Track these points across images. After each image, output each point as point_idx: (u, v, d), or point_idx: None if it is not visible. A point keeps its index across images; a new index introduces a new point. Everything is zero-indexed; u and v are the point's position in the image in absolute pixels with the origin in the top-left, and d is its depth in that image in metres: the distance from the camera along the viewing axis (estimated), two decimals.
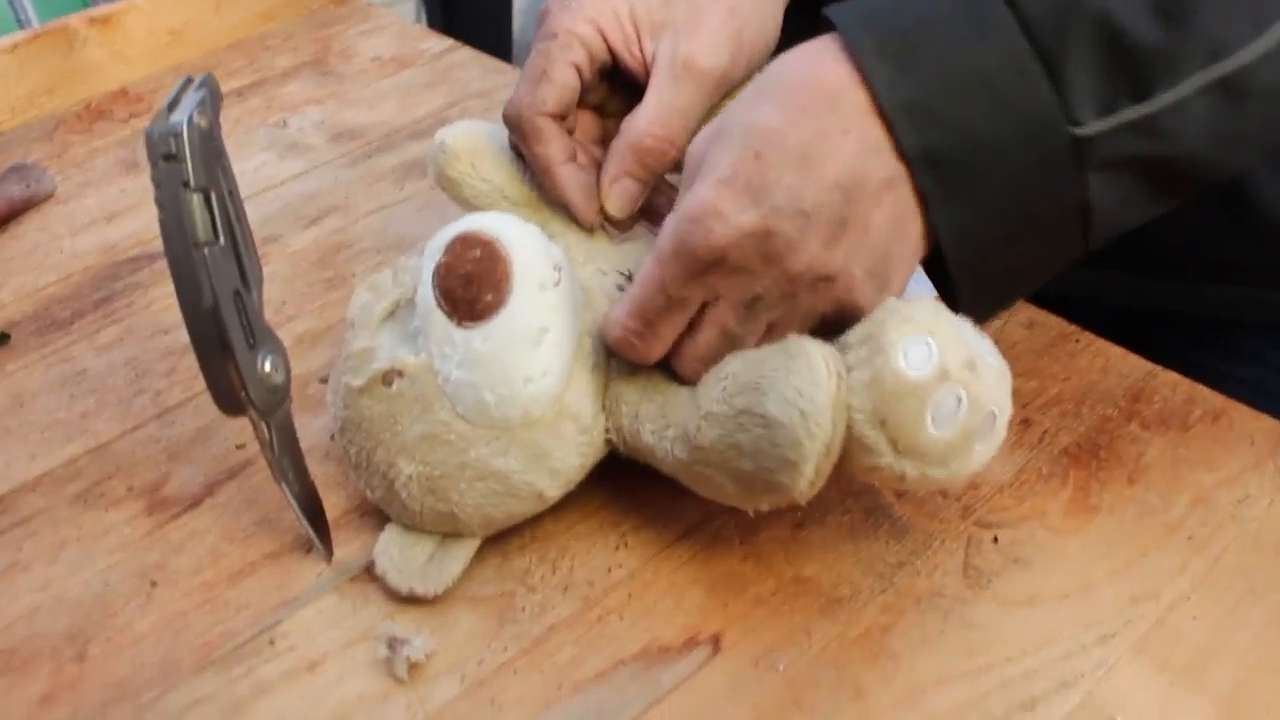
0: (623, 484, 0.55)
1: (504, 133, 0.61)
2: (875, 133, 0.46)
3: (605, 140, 0.60)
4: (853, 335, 0.47)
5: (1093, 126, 0.46)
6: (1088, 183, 0.47)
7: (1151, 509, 0.54)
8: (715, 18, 0.57)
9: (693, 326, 0.50)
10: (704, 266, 0.47)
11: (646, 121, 0.56)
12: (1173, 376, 0.61)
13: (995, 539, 0.54)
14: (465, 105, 0.92)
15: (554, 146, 0.57)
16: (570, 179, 0.57)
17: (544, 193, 0.59)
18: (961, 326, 0.47)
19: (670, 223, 0.48)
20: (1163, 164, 0.48)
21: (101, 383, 0.67)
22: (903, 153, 0.46)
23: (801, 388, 0.45)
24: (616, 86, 0.60)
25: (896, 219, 0.48)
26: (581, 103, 0.59)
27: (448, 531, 0.53)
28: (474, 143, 0.61)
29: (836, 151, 0.46)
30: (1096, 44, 0.45)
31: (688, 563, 0.54)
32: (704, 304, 0.49)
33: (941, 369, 0.45)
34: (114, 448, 0.62)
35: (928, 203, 0.47)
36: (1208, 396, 0.60)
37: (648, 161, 0.57)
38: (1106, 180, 0.47)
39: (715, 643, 0.50)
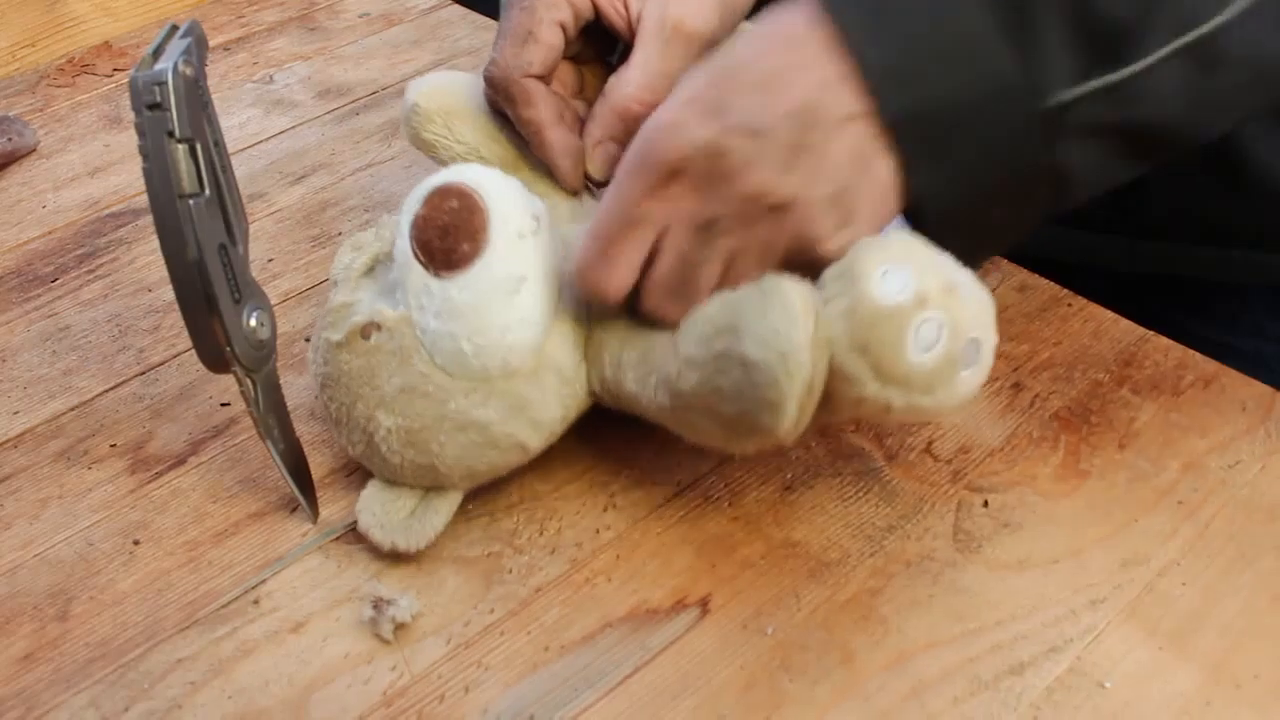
0: (611, 445, 0.55)
1: (478, 85, 0.60)
2: (836, 69, 0.46)
3: (583, 92, 0.59)
4: (829, 272, 0.47)
5: (1065, 94, 0.46)
6: (1060, 148, 0.47)
7: (1142, 474, 0.54)
8: None
9: (652, 257, 0.50)
10: (660, 178, 0.47)
11: (635, 86, 0.55)
12: (1164, 342, 0.61)
13: (985, 503, 0.53)
14: (454, 63, 0.91)
15: (543, 109, 0.56)
16: (559, 142, 0.56)
17: (525, 152, 0.58)
18: (940, 257, 0.47)
19: (632, 144, 0.48)
20: (1135, 129, 0.48)
21: (84, 339, 0.66)
22: (886, 115, 0.46)
23: (778, 327, 0.44)
24: (593, 37, 0.59)
25: (857, 154, 0.47)
26: None
27: (429, 485, 0.53)
28: (448, 102, 0.60)
29: (797, 82, 0.46)
30: (1067, 13, 0.45)
31: (676, 525, 0.53)
32: (662, 235, 0.49)
33: (920, 295, 0.44)
34: (97, 405, 0.62)
35: (908, 162, 0.47)
36: (1199, 362, 0.59)
37: (633, 127, 0.55)
38: (1080, 145, 0.47)
39: (704, 605, 0.50)
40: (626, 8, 0.56)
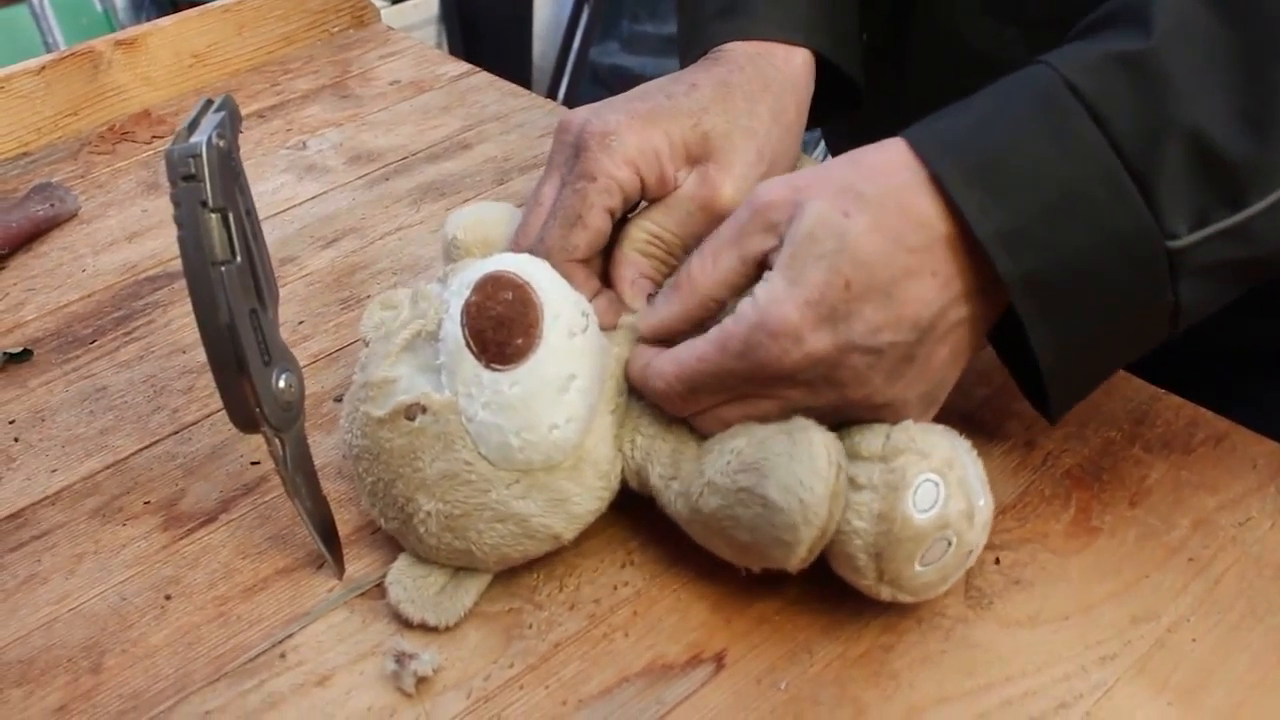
0: (630, 502, 0.56)
1: (510, 215, 0.61)
2: (959, 277, 0.47)
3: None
4: (867, 445, 0.49)
5: (1187, 239, 0.46)
6: (1180, 290, 0.48)
7: (1153, 531, 0.55)
8: (743, 160, 0.57)
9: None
10: (768, 380, 0.49)
11: (654, 227, 0.57)
12: (1176, 400, 0.61)
13: (997, 560, 0.54)
14: (482, 129, 0.93)
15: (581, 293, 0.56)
16: None
17: None
18: (968, 464, 0.49)
19: (746, 318, 0.48)
20: (1252, 263, 0.49)
21: (121, 399, 0.68)
22: (1000, 280, 0.47)
23: (803, 477, 0.47)
24: None
25: (956, 353, 0.50)
26: None
27: (461, 566, 0.54)
28: (484, 233, 0.61)
29: (921, 294, 0.47)
30: (1189, 159, 0.46)
31: (693, 581, 0.54)
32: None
33: (943, 517, 0.48)
34: (132, 463, 0.64)
35: (1025, 323, 0.48)
36: (1210, 420, 0.60)
37: (657, 265, 0.58)
38: (1197, 284, 0.48)
39: (719, 660, 0.51)
40: (673, 182, 0.57)
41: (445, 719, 0.49)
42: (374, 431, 0.52)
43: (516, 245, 0.58)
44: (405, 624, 0.53)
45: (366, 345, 0.57)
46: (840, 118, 0.69)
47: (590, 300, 0.55)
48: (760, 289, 0.48)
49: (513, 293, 0.50)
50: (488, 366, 0.49)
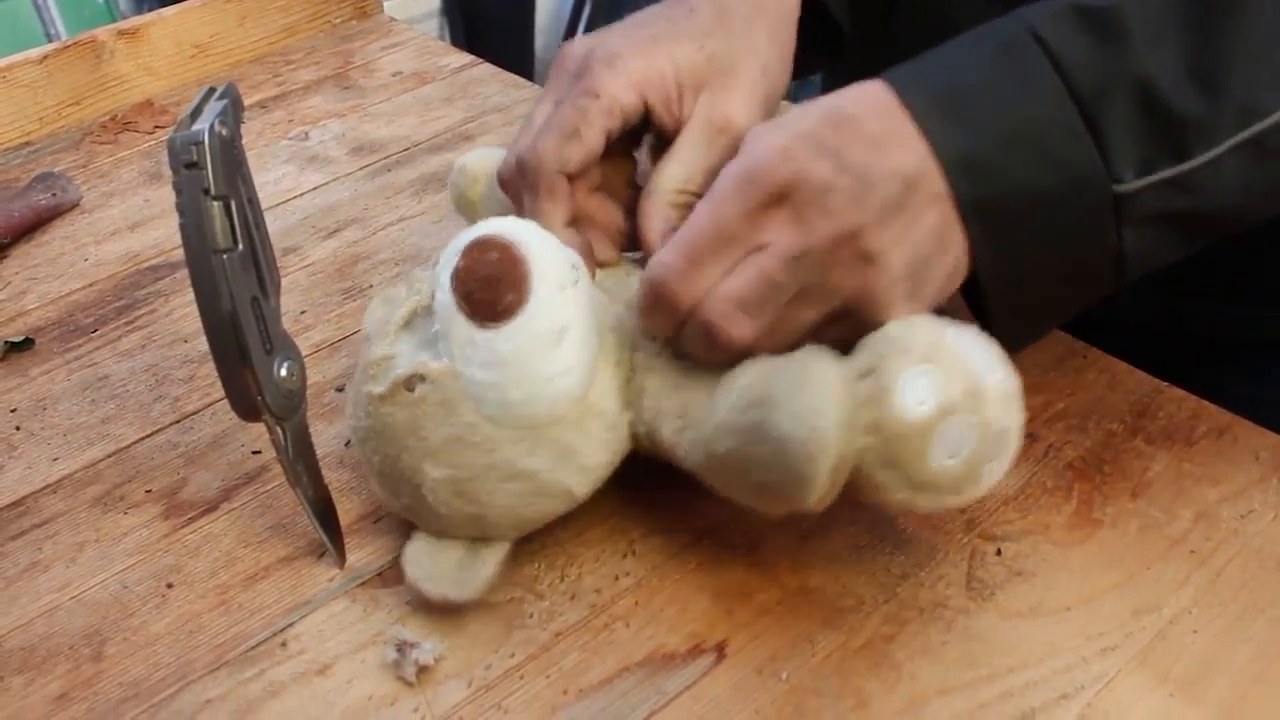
0: (632, 493, 0.56)
1: None
2: (939, 157, 0.48)
3: (601, 186, 0.60)
4: (856, 362, 0.48)
5: (1132, 184, 0.48)
6: (1124, 234, 0.49)
7: (1154, 523, 0.55)
8: (749, 79, 0.58)
9: (729, 273, 0.50)
10: (764, 200, 0.48)
11: (683, 180, 0.56)
12: (1178, 393, 0.61)
13: (999, 551, 0.54)
14: (484, 120, 0.93)
15: (560, 208, 0.57)
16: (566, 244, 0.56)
17: None
18: (963, 343, 0.48)
19: (733, 162, 0.49)
20: (1194, 216, 0.50)
21: (122, 388, 0.68)
22: (956, 201, 0.48)
23: (813, 404, 0.46)
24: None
25: (941, 232, 0.49)
26: None
27: (477, 535, 0.53)
28: (493, 166, 0.62)
29: (905, 149, 0.48)
30: (1139, 109, 0.48)
31: (694, 571, 0.54)
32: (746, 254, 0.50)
33: (943, 404, 0.46)
34: (133, 452, 0.64)
35: (974, 246, 0.49)
36: (1213, 413, 0.60)
37: (686, 215, 0.57)
38: (1141, 231, 0.50)
39: (720, 650, 0.51)
40: (680, 108, 0.57)
41: (446, 708, 0.49)
42: (377, 409, 0.52)
43: (506, 164, 0.58)
44: (418, 603, 0.53)
45: (368, 340, 0.57)
46: (821, 67, 0.69)
47: (562, 227, 0.56)
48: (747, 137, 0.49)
49: (498, 252, 0.50)
50: (480, 326, 0.50)
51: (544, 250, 0.51)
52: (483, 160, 0.63)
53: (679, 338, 0.52)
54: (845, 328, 0.50)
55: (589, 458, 0.52)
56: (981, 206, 0.49)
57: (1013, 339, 0.52)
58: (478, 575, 0.53)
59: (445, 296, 0.51)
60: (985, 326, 0.52)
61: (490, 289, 0.50)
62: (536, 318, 0.50)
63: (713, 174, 0.57)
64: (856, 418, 0.46)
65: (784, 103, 0.64)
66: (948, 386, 0.46)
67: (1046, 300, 0.52)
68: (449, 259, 0.51)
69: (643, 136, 0.61)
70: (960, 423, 0.46)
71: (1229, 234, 0.52)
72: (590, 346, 0.52)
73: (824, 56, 0.68)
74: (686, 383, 0.53)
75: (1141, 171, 0.48)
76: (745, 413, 0.48)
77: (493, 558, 0.53)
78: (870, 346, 0.48)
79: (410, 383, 0.51)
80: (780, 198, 0.48)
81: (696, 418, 0.51)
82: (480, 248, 0.50)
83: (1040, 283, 0.51)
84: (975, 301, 0.53)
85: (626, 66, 0.56)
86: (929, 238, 0.49)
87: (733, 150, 0.57)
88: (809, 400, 0.46)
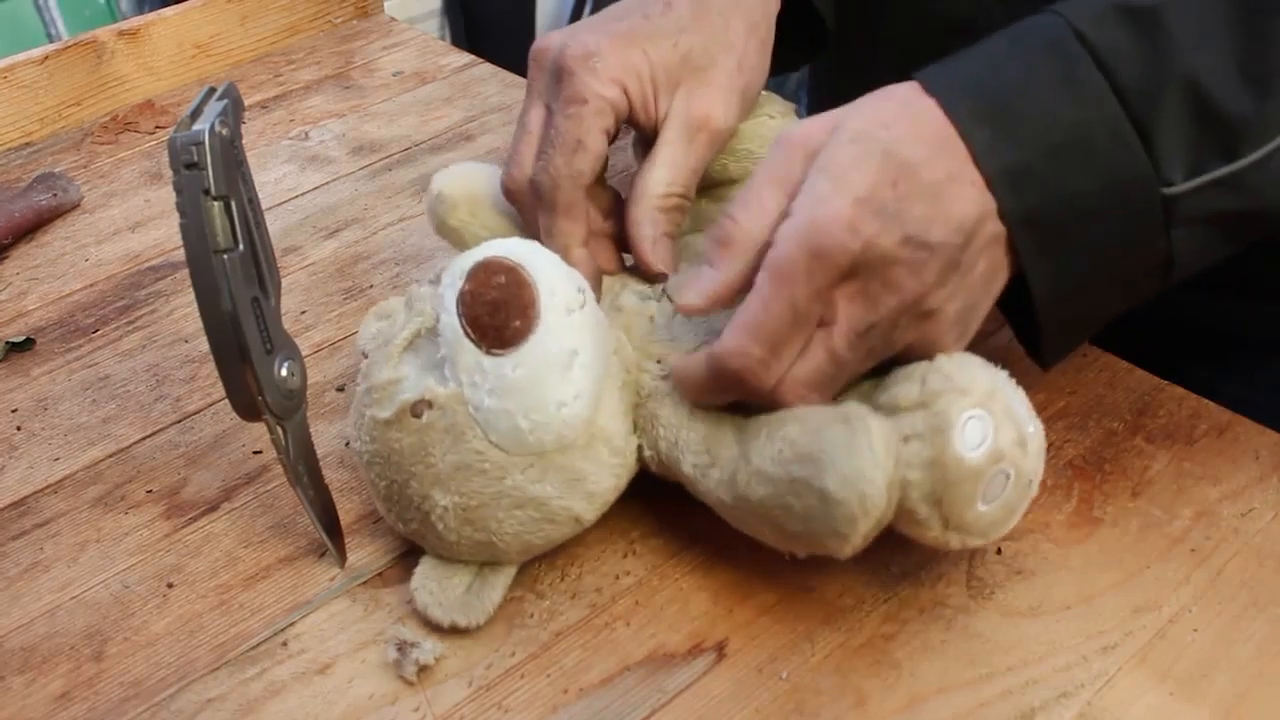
0: (633, 492, 0.56)
1: (496, 173, 0.61)
2: (991, 193, 0.48)
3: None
4: (903, 393, 0.48)
5: (1181, 186, 0.48)
6: (1174, 237, 0.49)
7: (1155, 521, 0.55)
8: (725, 74, 0.58)
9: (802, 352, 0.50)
10: (834, 278, 0.47)
11: (667, 184, 0.56)
12: (1179, 391, 0.61)
13: (999, 550, 0.54)
14: (484, 120, 0.93)
15: (578, 226, 0.56)
16: (582, 264, 0.56)
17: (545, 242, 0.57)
18: (1010, 392, 0.48)
19: (795, 232, 0.47)
20: (1244, 216, 0.50)
21: (123, 388, 0.68)
22: (1002, 214, 0.48)
23: (864, 470, 0.46)
24: None
25: (991, 274, 0.49)
26: None
27: (484, 560, 0.53)
28: (472, 189, 0.61)
29: (964, 196, 0.47)
30: (1187, 110, 0.47)
31: (694, 570, 0.54)
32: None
33: (996, 450, 0.46)
34: (134, 452, 0.64)
35: (1022, 259, 0.49)
36: (1214, 411, 0.60)
37: (675, 218, 0.57)
38: (1190, 233, 0.49)
39: (720, 649, 0.51)
40: (656, 107, 0.57)
41: (446, 707, 0.49)
42: (382, 434, 0.52)
43: (510, 177, 0.58)
44: (401, 595, 0.53)
45: (365, 357, 0.57)
46: (805, 62, 0.69)
47: (581, 245, 0.56)
48: (803, 196, 0.47)
49: (505, 276, 0.49)
50: (488, 352, 0.49)
51: (551, 272, 0.50)
52: (459, 183, 0.62)
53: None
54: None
55: (597, 484, 0.52)
56: (1030, 218, 0.48)
57: (1057, 352, 0.53)
58: (485, 600, 0.52)
59: (451, 320, 0.50)
60: (1026, 338, 0.53)
61: (498, 314, 0.49)
62: (545, 343, 0.49)
63: (696, 174, 0.57)
64: (904, 461, 0.47)
65: (765, 93, 0.64)
66: (999, 434, 0.47)
67: (1093, 310, 0.52)
68: (453, 281, 0.50)
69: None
70: (1003, 471, 0.47)
71: (1270, 234, 0.51)
72: (598, 370, 0.51)
73: (808, 52, 0.68)
74: (705, 413, 0.52)
75: (1191, 173, 0.47)
76: (789, 467, 0.48)
77: (500, 583, 0.53)
78: (918, 378, 0.48)
79: (417, 409, 0.51)
80: (847, 274, 0.47)
81: (724, 457, 0.51)
82: (487, 270, 0.49)
83: (1090, 293, 0.51)
84: (1018, 314, 0.53)
85: (604, 64, 0.56)
86: (980, 284, 0.49)
87: (712, 147, 0.57)
88: (860, 465, 0.46)
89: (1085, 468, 0.58)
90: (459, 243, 0.62)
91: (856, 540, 0.47)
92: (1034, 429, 0.49)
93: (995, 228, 0.48)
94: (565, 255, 0.55)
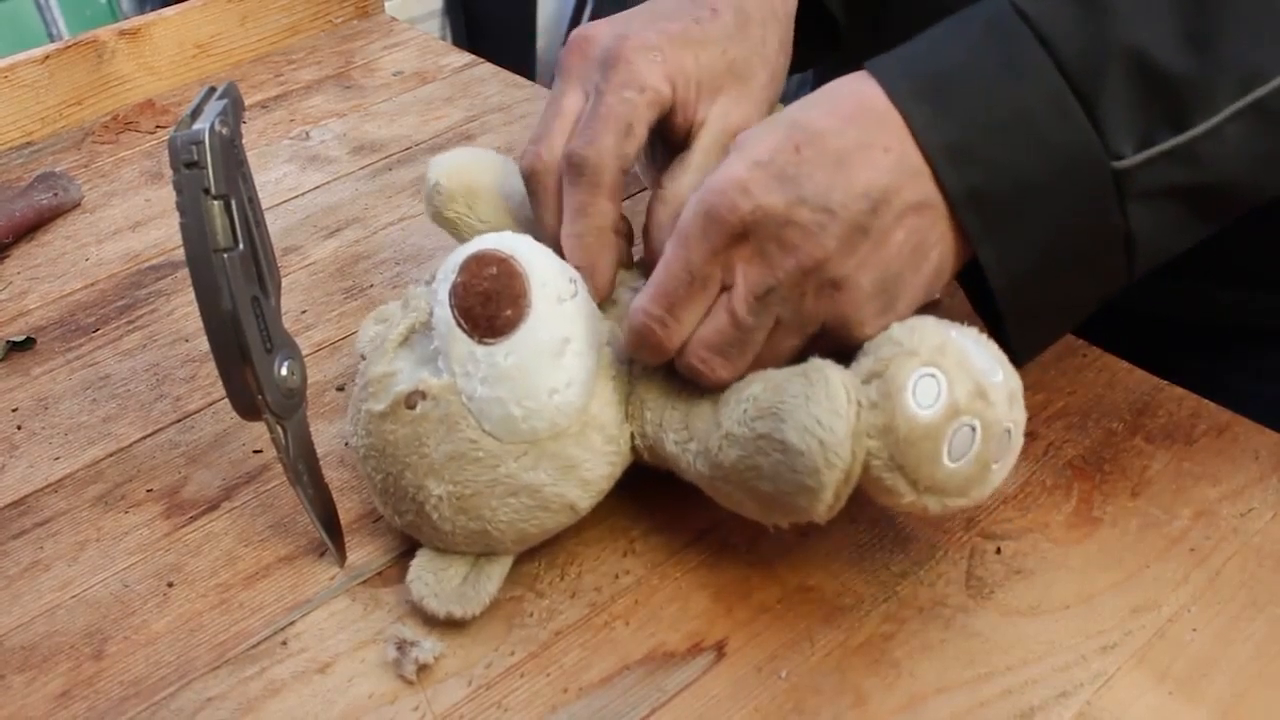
0: (632, 492, 0.56)
1: (495, 162, 0.61)
2: (915, 158, 0.47)
3: None
4: (860, 367, 0.47)
5: (1132, 159, 0.47)
6: (1129, 213, 0.48)
7: (1154, 521, 0.55)
8: (761, 88, 0.58)
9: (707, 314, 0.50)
10: (727, 240, 0.47)
11: (706, 190, 0.56)
12: (1178, 391, 0.61)
13: (998, 550, 0.54)
14: (485, 120, 0.93)
15: (617, 209, 0.55)
16: (611, 250, 0.56)
17: (539, 234, 0.56)
18: (966, 345, 0.47)
19: (694, 198, 0.48)
20: (1202, 190, 0.48)
21: (124, 387, 0.68)
22: (945, 192, 0.47)
23: (821, 417, 0.45)
24: None
25: (915, 245, 0.48)
26: None
27: (480, 550, 0.53)
28: (469, 180, 0.61)
29: (873, 163, 0.47)
30: (1131, 79, 0.46)
31: (694, 570, 0.54)
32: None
33: (952, 405, 0.46)
34: (134, 451, 0.64)
35: (972, 241, 0.48)
36: (1213, 411, 0.60)
37: None
38: (1147, 209, 0.48)
39: (719, 649, 0.51)
40: (695, 112, 0.57)
41: (446, 706, 0.50)
42: (377, 427, 0.52)
43: (538, 155, 0.56)
44: (401, 594, 0.53)
45: (363, 359, 0.57)
46: (816, 64, 0.69)
47: (614, 229, 0.55)
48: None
49: (497, 267, 0.50)
50: (480, 342, 0.50)
51: (543, 264, 0.51)
52: (457, 175, 0.62)
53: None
54: (831, 342, 0.50)
55: (590, 471, 0.52)
56: (975, 197, 0.47)
57: (1027, 343, 0.52)
58: (482, 591, 0.52)
59: (444, 312, 0.51)
60: (998, 333, 0.52)
61: (489, 304, 0.50)
62: (537, 331, 0.50)
63: None
64: (864, 424, 0.46)
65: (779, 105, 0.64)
66: (954, 388, 0.46)
67: (1059, 297, 0.51)
68: (446, 275, 0.51)
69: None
70: (966, 425, 0.46)
71: (1239, 212, 0.50)
72: (590, 358, 0.52)
73: (820, 52, 0.68)
74: (687, 393, 0.53)
75: (1140, 145, 0.47)
76: (753, 424, 0.48)
77: (496, 573, 0.53)
78: (873, 351, 0.48)
79: (411, 400, 0.51)
80: (742, 235, 0.47)
81: (700, 430, 0.51)
82: (479, 263, 0.50)
83: (1050, 277, 0.50)
84: (986, 306, 0.53)
85: (661, 59, 0.55)
86: (899, 254, 0.48)
87: None
88: (818, 412, 0.46)
89: (1085, 467, 0.58)
90: (455, 233, 0.62)
91: (826, 496, 0.46)
92: (1001, 378, 0.47)
93: (915, 196, 0.47)
94: (601, 236, 0.54)
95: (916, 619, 0.51)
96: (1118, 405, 0.61)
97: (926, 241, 0.49)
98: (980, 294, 0.52)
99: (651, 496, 0.57)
